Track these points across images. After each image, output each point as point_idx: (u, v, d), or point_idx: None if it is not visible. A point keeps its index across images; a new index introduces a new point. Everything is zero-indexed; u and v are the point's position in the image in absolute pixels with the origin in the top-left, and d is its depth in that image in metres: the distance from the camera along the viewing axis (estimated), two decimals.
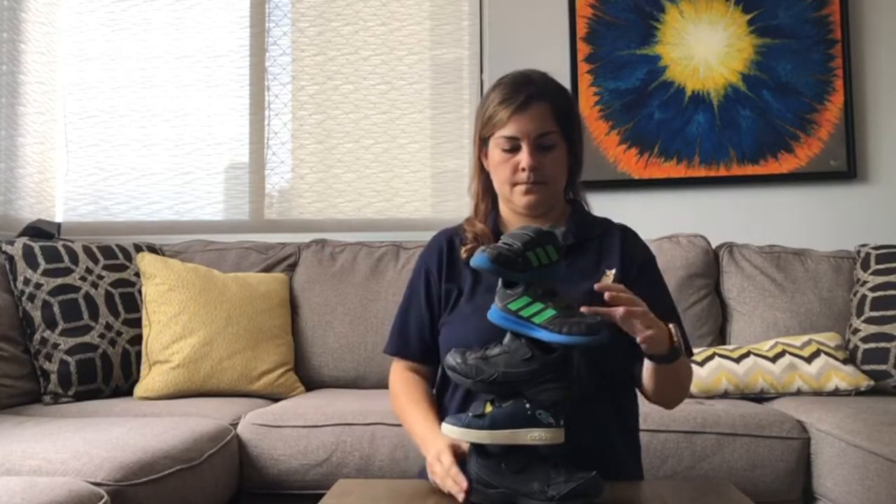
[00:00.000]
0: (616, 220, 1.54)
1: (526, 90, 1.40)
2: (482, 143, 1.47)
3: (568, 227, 1.46)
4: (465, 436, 1.16)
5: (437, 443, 1.27)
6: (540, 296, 1.13)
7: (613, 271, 1.39)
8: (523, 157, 1.39)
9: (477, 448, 1.17)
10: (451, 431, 1.17)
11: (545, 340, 1.12)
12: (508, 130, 1.40)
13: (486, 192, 1.51)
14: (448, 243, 1.51)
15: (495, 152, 1.43)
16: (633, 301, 1.22)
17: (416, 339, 1.50)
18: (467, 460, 1.19)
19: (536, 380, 1.12)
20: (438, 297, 1.48)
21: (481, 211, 1.51)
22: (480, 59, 3.09)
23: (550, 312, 1.11)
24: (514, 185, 1.42)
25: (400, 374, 1.52)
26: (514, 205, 1.46)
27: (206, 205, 3.17)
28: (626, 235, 1.50)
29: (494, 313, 1.15)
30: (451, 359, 1.18)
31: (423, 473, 1.46)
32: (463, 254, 1.46)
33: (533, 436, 1.12)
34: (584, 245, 1.44)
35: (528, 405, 1.13)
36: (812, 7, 2.94)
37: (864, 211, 2.88)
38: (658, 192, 2.96)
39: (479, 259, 1.13)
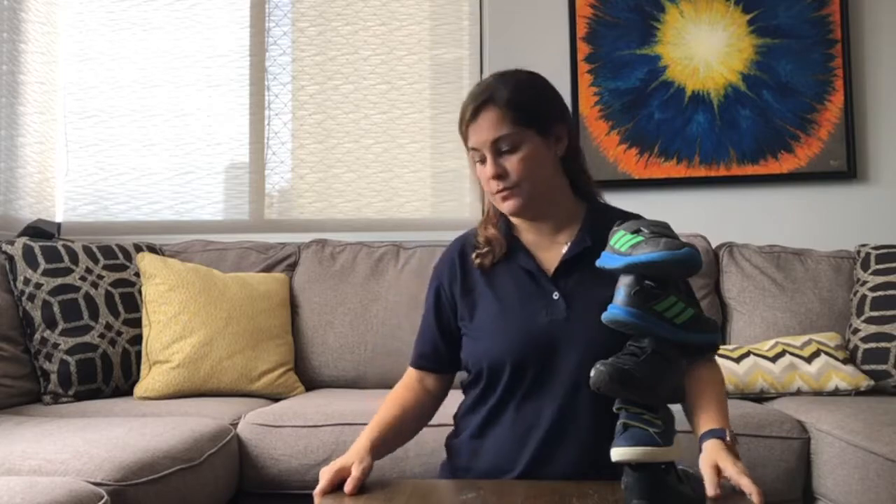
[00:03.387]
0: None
1: (475, 100, 1.39)
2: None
3: (583, 228, 1.43)
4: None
5: (355, 454, 1.31)
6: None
7: None
8: (487, 168, 1.38)
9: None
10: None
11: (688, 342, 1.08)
12: (471, 143, 1.40)
13: None
14: (460, 254, 1.50)
15: (474, 166, 1.44)
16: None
17: (426, 352, 1.51)
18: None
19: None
20: (452, 310, 1.48)
21: (491, 215, 1.49)
22: (480, 59, 3.09)
23: (691, 312, 1.07)
24: (493, 194, 1.40)
25: (401, 383, 1.53)
26: (504, 212, 1.45)
27: (206, 205, 3.17)
28: None
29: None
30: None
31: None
32: (475, 259, 1.45)
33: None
34: (602, 245, 1.39)
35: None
36: (812, 7, 2.94)
37: (864, 211, 2.88)
38: (658, 192, 2.95)
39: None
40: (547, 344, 1.35)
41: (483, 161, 1.39)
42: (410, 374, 1.53)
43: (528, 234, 1.46)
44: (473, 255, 1.45)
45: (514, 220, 1.47)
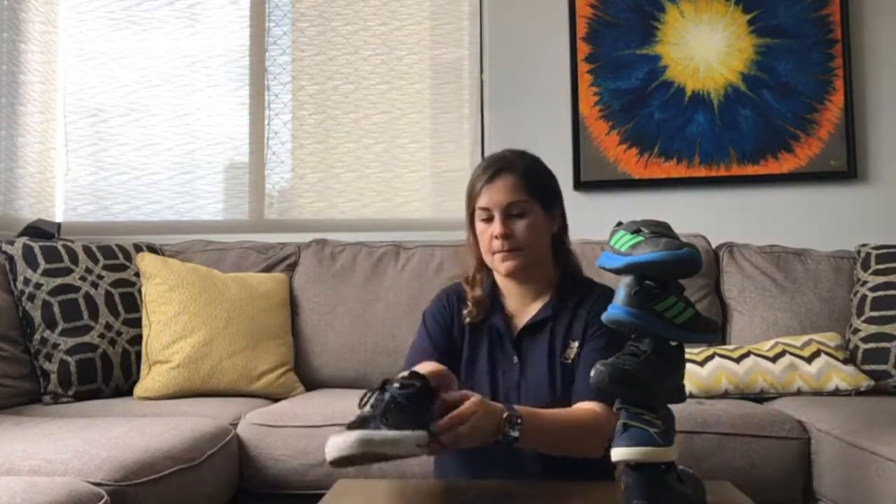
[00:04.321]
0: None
1: (495, 165, 1.53)
2: (471, 217, 1.56)
3: (551, 300, 1.54)
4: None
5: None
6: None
7: (577, 344, 1.47)
8: (495, 226, 1.49)
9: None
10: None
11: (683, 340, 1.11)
12: (482, 202, 1.51)
13: (482, 262, 1.59)
14: (449, 302, 1.60)
15: (478, 224, 1.54)
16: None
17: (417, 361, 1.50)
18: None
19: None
20: (448, 335, 1.56)
21: (478, 280, 1.59)
22: (480, 59, 3.09)
23: (691, 312, 1.08)
24: (493, 253, 1.50)
25: None
26: (497, 272, 1.55)
27: (206, 205, 3.17)
28: (599, 302, 1.50)
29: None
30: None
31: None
32: (465, 315, 1.55)
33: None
34: (561, 315, 1.52)
35: None
36: (812, 7, 2.94)
37: (864, 211, 2.88)
38: (658, 192, 2.95)
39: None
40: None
41: (488, 220, 1.50)
42: None
43: (509, 299, 1.58)
44: (465, 312, 1.56)
45: (500, 283, 1.58)
